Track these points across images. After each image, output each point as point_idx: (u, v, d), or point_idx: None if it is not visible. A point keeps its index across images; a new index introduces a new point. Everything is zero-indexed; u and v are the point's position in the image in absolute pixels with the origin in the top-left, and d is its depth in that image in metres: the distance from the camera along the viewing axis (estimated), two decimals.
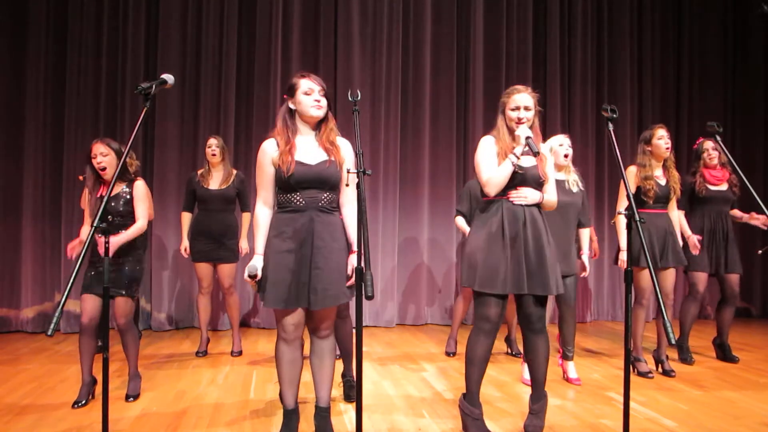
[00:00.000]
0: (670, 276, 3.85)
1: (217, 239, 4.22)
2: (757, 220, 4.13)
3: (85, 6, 5.32)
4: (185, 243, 4.32)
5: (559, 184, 3.56)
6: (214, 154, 4.23)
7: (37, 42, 5.27)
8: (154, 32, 5.49)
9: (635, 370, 3.80)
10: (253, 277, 2.40)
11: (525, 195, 2.57)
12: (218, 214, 4.25)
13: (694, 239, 4.06)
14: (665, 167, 3.87)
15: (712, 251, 4.16)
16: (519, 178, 2.57)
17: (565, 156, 3.57)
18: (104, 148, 3.10)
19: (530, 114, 2.61)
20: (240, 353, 4.36)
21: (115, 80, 5.37)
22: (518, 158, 2.55)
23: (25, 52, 5.26)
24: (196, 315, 5.46)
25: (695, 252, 4.07)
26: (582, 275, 3.77)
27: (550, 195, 2.69)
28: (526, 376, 3.59)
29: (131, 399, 3.17)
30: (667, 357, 3.92)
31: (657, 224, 3.79)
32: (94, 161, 3.10)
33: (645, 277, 3.76)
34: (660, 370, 3.88)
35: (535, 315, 2.62)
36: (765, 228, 4.12)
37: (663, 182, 3.82)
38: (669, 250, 3.80)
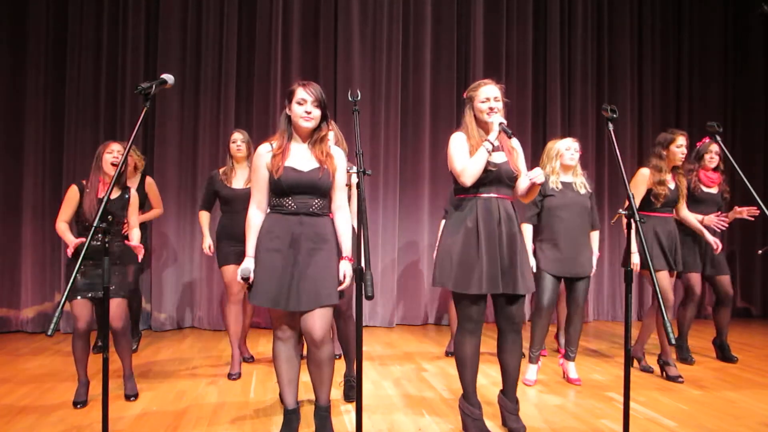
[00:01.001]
0: (667, 277, 3.81)
1: (243, 241, 3.91)
2: (740, 213, 4.12)
3: (85, 6, 5.31)
4: (208, 240, 3.95)
5: (568, 186, 3.56)
6: (239, 149, 3.87)
7: (37, 42, 5.27)
8: (154, 32, 5.49)
9: (664, 374, 3.76)
10: (246, 279, 2.41)
11: (539, 172, 2.51)
12: (244, 214, 3.88)
13: (713, 240, 3.95)
14: (675, 172, 3.82)
15: (703, 253, 4.14)
16: (493, 175, 2.55)
17: (571, 158, 3.56)
18: (120, 147, 3.16)
19: (500, 104, 2.60)
20: (252, 358, 4.24)
21: (115, 80, 5.37)
22: (493, 145, 2.53)
23: (25, 52, 5.26)
24: (197, 317, 5.49)
25: (717, 251, 3.99)
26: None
27: None
28: (528, 376, 3.59)
29: (133, 398, 3.17)
30: (680, 359, 3.87)
31: (666, 228, 3.76)
32: (108, 156, 3.11)
33: (660, 278, 3.71)
34: (664, 375, 3.82)
35: (518, 315, 2.63)
36: (751, 218, 4.11)
37: (673, 186, 3.78)
38: (677, 254, 3.77)
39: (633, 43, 6.46)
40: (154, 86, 2.22)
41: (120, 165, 2.20)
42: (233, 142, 3.90)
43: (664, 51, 6.59)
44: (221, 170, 3.95)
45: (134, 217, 3.28)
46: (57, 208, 5.17)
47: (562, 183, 3.56)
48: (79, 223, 3.12)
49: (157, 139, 5.42)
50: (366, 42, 5.80)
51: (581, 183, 3.61)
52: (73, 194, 3.12)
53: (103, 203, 2.07)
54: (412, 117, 5.93)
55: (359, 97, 2.35)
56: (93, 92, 5.33)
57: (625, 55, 6.39)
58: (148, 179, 4.49)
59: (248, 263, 2.43)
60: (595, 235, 3.74)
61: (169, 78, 2.34)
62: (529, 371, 3.60)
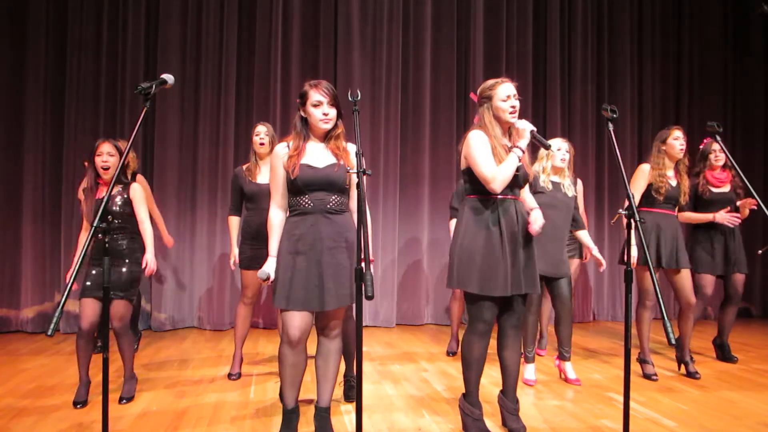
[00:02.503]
0: (687, 278, 3.77)
1: (267, 241, 3.67)
2: (746, 208, 4.12)
3: (85, 6, 5.31)
4: (235, 252, 3.73)
5: (557, 186, 3.56)
6: (262, 143, 3.65)
7: (37, 42, 5.26)
8: (154, 32, 5.49)
9: (642, 372, 3.79)
10: (265, 279, 2.43)
11: (541, 223, 2.61)
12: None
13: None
14: (677, 170, 3.80)
15: (719, 253, 4.12)
16: (514, 179, 2.55)
17: (562, 160, 3.56)
18: (111, 148, 3.10)
19: (518, 102, 2.60)
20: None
21: (115, 80, 5.37)
22: (524, 152, 2.55)
23: (25, 52, 5.26)
24: (197, 317, 5.49)
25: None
26: (601, 269, 3.72)
27: (527, 194, 2.78)
28: (528, 376, 3.59)
29: (124, 401, 3.13)
30: (692, 358, 3.87)
31: (666, 225, 3.73)
32: (98, 159, 3.07)
33: (649, 277, 3.72)
34: (684, 371, 3.84)
35: (521, 313, 2.67)
36: (755, 208, 4.10)
37: (674, 183, 3.77)
38: (680, 252, 3.73)
39: (633, 43, 6.46)
40: (154, 86, 2.22)
41: (119, 166, 2.19)
42: (256, 135, 3.70)
43: (664, 51, 6.59)
44: (245, 166, 3.75)
45: (142, 210, 3.18)
46: (57, 209, 5.29)
47: (552, 182, 3.56)
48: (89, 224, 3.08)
49: (157, 139, 5.42)
50: (366, 42, 5.80)
51: (569, 185, 3.60)
52: (81, 196, 3.13)
53: (103, 204, 2.06)
54: (412, 117, 5.93)
55: (359, 97, 2.35)
56: (93, 92, 5.33)
57: (625, 55, 6.39)
58: (139, 177, 4.34)
59: (270, 263, 2.46)
60: (585, 234, 3.74)
61: (169, 78, 2.34)
62: (528, 371, 3.60)
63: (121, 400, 3.14)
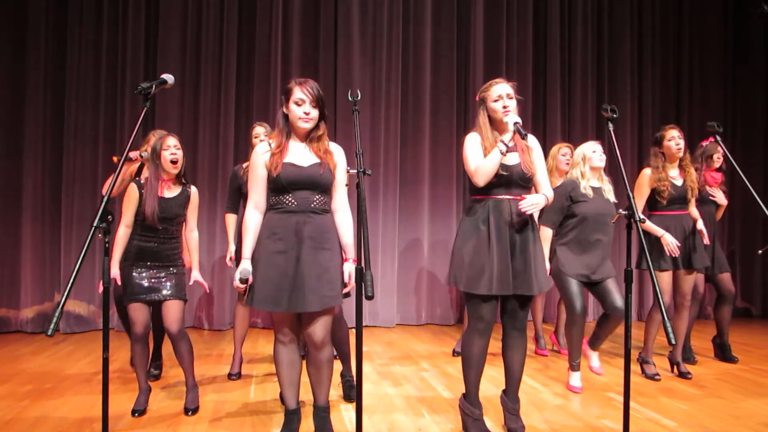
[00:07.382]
0: (691, 278, 3.77)
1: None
2: (713, 197, 4.13)
3: (85, 5, 5.32)
4: (232, 248, 3.66)
5: (597, 192, 3.51)
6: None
7: (37, 42, 5.26)
8: (154, 32, 5.49)
9: (642, 372, 3.79)
10: (245, 281, 2.35)
11: (533, 202, 2.47)
12: None
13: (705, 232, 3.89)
14: (681, 167, 3.76)
15: (707, 251, 4.13)
16: (504, 178, 2.53)
17: (600, 160, 3.50)
18: (177, 142, 2.94)
19: (513, 102, 2.57)
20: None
21: (115, 80, 5.37)
22: (507, 146, 2.49)
23: (25, 52, 5.25)
24: (197, 317, 5.49)
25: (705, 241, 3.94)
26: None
27: (545, 189, 2.62)
28: (574, 383, 3.51)
29: (190, 413, 2.95)
30: (694, 358, 3.86)
31: (677, 226, 3.69)
32: (165, 153, 2.89)
33: (663, 278, 3.69)
34: (676, 372, 3.85)
35: (522, 314, 2.64)
36: (713, 198, 4.12)
37: (679, 183, 3.72)
38: (697, 253, 3.70)
39: (633, 43, 6.46)
40: (154, 86, 2.22)
41: (120, 165, 2.18)
42: (255, 137, 3.66)
43: (664, 51, 6.58)
44: (244, 165, 3.68)
45: (193, 218, 3.06)
46: (57, 209, 5.28)
47: (593, 188, 3.50)
48: (138, 225, 2.90)
49: None
50: (366, 42, 5.80)
51: (609, 189, 3.56)
52: (132, 193, 2.88)
53: (104, 202, 2.04)
54: (412, 117, 5.93)
55: (359, 97, 2.35)
56: (93, 92, 5.32)
57: (625, 55, 6.39)
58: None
59: (246, 265, 2.38)
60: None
61: (169, 78, 2.34)
62: (573, 378, 3.51)
63: (186, 411, 2.96)
